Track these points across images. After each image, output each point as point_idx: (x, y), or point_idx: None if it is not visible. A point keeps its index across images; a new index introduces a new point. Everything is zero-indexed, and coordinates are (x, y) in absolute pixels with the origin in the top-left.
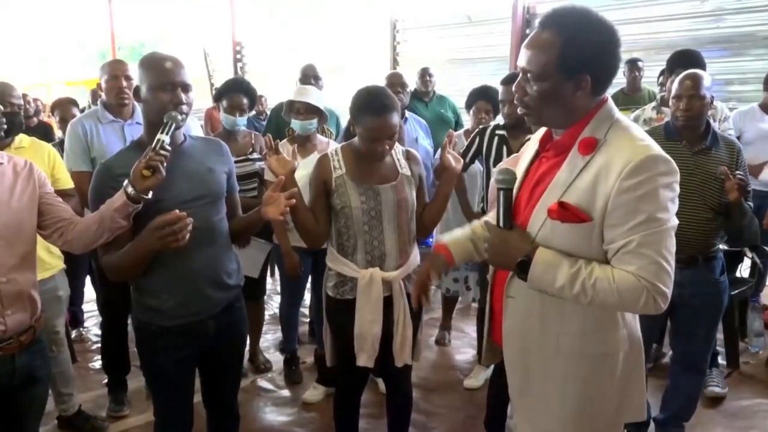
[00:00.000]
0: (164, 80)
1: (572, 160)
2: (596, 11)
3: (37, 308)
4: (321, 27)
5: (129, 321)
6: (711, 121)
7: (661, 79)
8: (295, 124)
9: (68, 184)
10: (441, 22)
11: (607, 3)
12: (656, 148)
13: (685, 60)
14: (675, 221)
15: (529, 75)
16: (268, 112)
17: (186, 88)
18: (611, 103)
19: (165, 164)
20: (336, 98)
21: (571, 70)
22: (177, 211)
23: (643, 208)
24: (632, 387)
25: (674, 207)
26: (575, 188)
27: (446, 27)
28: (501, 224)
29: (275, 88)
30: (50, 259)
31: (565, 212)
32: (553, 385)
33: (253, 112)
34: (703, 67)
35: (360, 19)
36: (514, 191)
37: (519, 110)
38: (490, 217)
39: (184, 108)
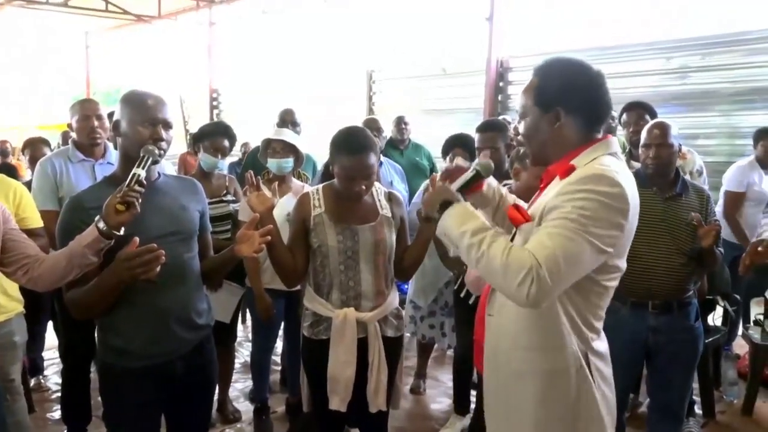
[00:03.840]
0: (145, 116)
1: (552, 183)
2: (578, 59)
3: None
4: (298, 76)
5: (92, 369)
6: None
7: (625, 116)
8: (272, 163)
9: (36, 223)
10: (416, 74)
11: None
12: (613, 173)
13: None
14: (597, 241)
15: (519, 116)
16: None
17: (167, 125)
18: (612, 141)
19: (140, 200)
20: (313, 145)
21: (546, 104)
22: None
23: (569, 208)
24: (598, 410)
25: (606, 230)
26: (541, 203)
27: (421, 78)
28: (453, 185)
29: (251, 136)
30: (7, 303)
31: (515, 213)
32: (518, 406)
33: (237, 158)
34: (651, 111)
35: (336, 69)
36: None
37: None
38: None
39: (164, 145)
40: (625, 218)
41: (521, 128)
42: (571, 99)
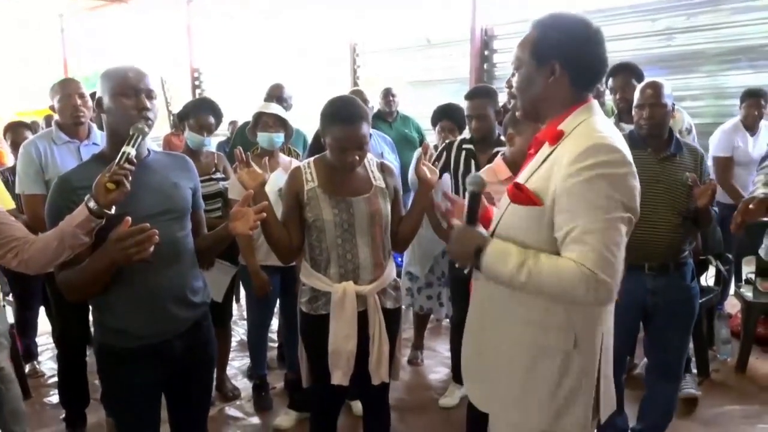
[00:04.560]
0: (127, 86)
1: (542, 150)
2: (579, 15)
3: None
4: (281, 52)
5: (87, 352)
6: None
7: (611, 81)
8: (263, 137)
9: (7, 205)
10: (400, 45)
11: None
12: (609, 140)
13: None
14: (624, 214)
15: (514, 68)
16: None
17: (150, 94)
18: (594, 104)
19: (130, 178)
20: (299, 120)
21: (543, 56)
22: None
23: (585, 194)
24: (579, 393)
25: (625, 199)
26: (536, 176)
27: (405, 50)
28: (465, 222)
29: (234, 114)
30: None
31: (519, 193)
32: (502, 374)
33: (225, 137)
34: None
35: (320, 44)
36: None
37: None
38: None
39: (150, 114)
40: (634, 177)
41: (514, 81)
42: (568, 53)
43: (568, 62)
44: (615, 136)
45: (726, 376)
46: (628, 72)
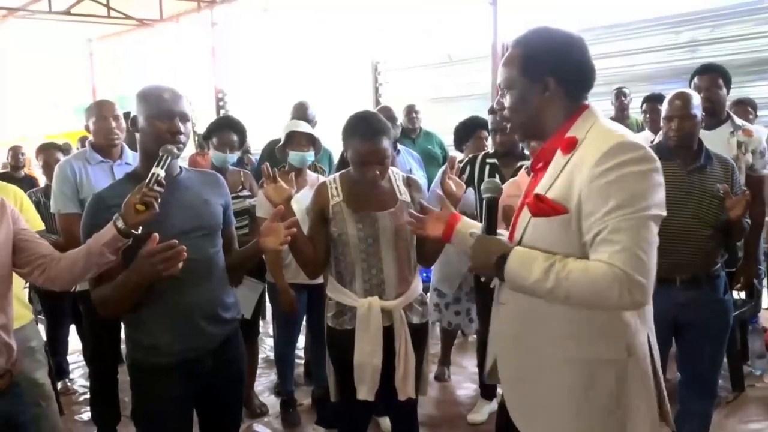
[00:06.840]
0: (162, 109)
1: (555, 160)
2: (558, 27)
3: (13, 351)
4: (303, 71)
5: (118, 369)
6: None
7: (644, 106)
8: (295, 156)
9: (38, 227)
10: (422, 63)
11: (587, 37)
12: (630, 137)
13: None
14: (654, 211)
15: (503, 89)
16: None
17: (184, 117)
18: (594, 108)
19: (159, 200)
20: (323, 138)
21: (534, 74)
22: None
23: (613, 194)
24: (640, 402)
25: (654, 196)
26: (555, 185)
27: (427, 67)
28: (484, 231)
29: (259, 135)
30: (19, 309)
31: (540, 204)
32: (554, 396)
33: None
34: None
35: (341, 62)
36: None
37: (507, 127)
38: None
39: (182, 138)
40: (659, 173)
41: (506, 102)
42: (559, 66)
43: (560, 75)
44: (631, 134)
45: (761, 391)
46: (716, 73)
